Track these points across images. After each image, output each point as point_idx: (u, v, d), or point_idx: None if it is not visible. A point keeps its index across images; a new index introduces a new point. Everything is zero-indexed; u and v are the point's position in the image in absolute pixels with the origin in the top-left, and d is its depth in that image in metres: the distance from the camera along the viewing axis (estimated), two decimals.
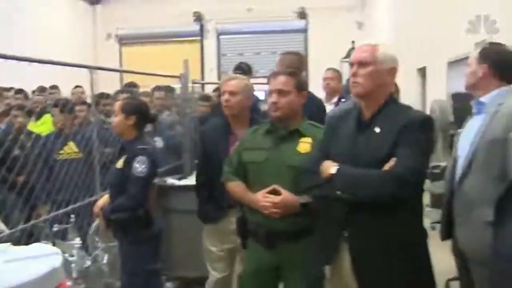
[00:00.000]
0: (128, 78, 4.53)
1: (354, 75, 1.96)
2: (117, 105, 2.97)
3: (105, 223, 2.88)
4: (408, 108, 2.03)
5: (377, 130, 1.91)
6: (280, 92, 2.28)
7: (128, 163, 2.83)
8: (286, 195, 2.21)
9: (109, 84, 3.59)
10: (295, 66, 3.17)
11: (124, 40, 13.23)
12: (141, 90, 4.87)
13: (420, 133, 1.87)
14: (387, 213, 1.87)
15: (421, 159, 1.86)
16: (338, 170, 1.90)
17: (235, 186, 2.42)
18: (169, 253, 3.76)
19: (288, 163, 2.26)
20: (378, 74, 1.92)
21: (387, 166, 1.84)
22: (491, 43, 2.44)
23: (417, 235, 1.97)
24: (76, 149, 4.03)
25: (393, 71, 1.95)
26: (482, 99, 2.28)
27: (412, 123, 1.87)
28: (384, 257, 1.90)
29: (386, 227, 1.88)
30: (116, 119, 2.92)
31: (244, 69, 4.11)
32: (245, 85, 2.82)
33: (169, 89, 4.74)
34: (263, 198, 2.22)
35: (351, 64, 2.00)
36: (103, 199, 3.05)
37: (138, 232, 2.85)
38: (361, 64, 1.95)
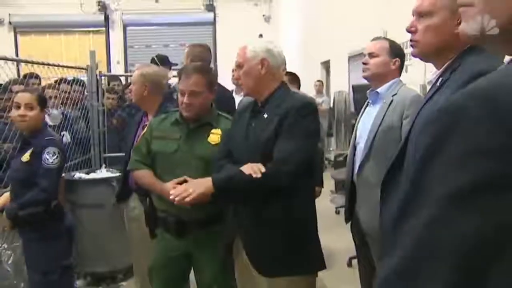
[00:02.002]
0: (26, 70, 4.24)
1: (237, 78, 2.15)
2: (32, 98, 2.75)
3: (12, 222, 2.70)
4: (294, 94, 2.13)
5: (265, 116, 2.02)
6: (192, 94, 2.28)
7: (37, 156, 2.70)
8: None
9: (4, 76, 3.30)
10: (203, 58, 3.21)
11: (19, 28, 12.41)
12: (43, 82, 4.61)
13: (299, 119, 1.94)
14: (267, 199, 1.97)
15: (298, 146, 1.92)
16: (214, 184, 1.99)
17: (144, 175, 2.40)
18: (78, 249, 3.66)
19: (198, 154, 2.28)
20: (250, 70, 2.05)
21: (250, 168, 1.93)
22: (390, 40, 2.62)
23: (300, 218, 2.02)
24: None
25: (264, 62, 2.04)
26: (378, 89, 2.47)
27: (292, 109, 1.95)
28: (264, 236, 1.99)
29: (266, 210, 1.97)
30: (33, 113, 2.73)
31: (155, 61, 4.10)
32: (138, 75, 2.88)
33: (77, 82, 4.54)
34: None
35: None
36: (4, 198, 2.89)
37: (51, 226, 2.75)
38: (238, 66, 2.12)
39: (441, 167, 0.55)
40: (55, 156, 2.71)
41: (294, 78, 3.76)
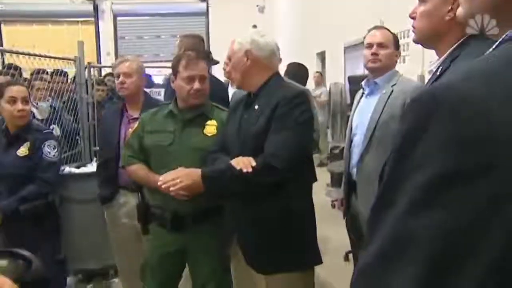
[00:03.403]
0: (12, 61, 4.11)
1: (228, 71, 2.17)
2: (26, 91, 2.73)
3: (3, 218, 2.60)
4: (286, 85, 2.10)
5: (256, 107, 1.98)
6: (203, 79, 2.27)
7: (36, 149, 2.67)
8: None
9: None
10: (196, 48, 3.12)
11: (4, 17, 12.14)
12: (28, 74, 4.48)
13: (290, 109, 1.89)
14: (262, 194, 1.92)
15: (289, 139, 1.86)
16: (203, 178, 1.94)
17: (138, 169, 2.35)
18: (68, 245, 3.57)
19: (195, 146, 2.22)
20: (237, 63, 2.04)
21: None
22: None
23: (296, 213, 1.96)
24: None
25: (248, 53, 2.00)
26: (377, 80, 2.41)
27: (283, 99, 1.90)
28: (259, 232, 1.95)
29: (261, 205, 1.93)
30: (28, 107, 2.72)
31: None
32: (138, 67, 2.84)
33: (57, 72, 4.42)
34: None
35: None
36: None
37: (48, 221, 2.74)
38: (228, 60, 2.12)
39: (416, 157, 0.55)
40: (55, 150, 2.74)
41: (301, 68, 3.68)
